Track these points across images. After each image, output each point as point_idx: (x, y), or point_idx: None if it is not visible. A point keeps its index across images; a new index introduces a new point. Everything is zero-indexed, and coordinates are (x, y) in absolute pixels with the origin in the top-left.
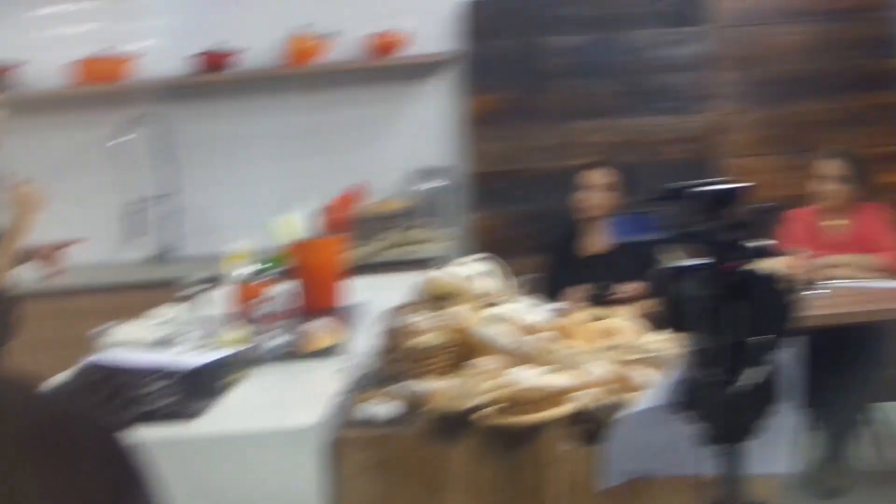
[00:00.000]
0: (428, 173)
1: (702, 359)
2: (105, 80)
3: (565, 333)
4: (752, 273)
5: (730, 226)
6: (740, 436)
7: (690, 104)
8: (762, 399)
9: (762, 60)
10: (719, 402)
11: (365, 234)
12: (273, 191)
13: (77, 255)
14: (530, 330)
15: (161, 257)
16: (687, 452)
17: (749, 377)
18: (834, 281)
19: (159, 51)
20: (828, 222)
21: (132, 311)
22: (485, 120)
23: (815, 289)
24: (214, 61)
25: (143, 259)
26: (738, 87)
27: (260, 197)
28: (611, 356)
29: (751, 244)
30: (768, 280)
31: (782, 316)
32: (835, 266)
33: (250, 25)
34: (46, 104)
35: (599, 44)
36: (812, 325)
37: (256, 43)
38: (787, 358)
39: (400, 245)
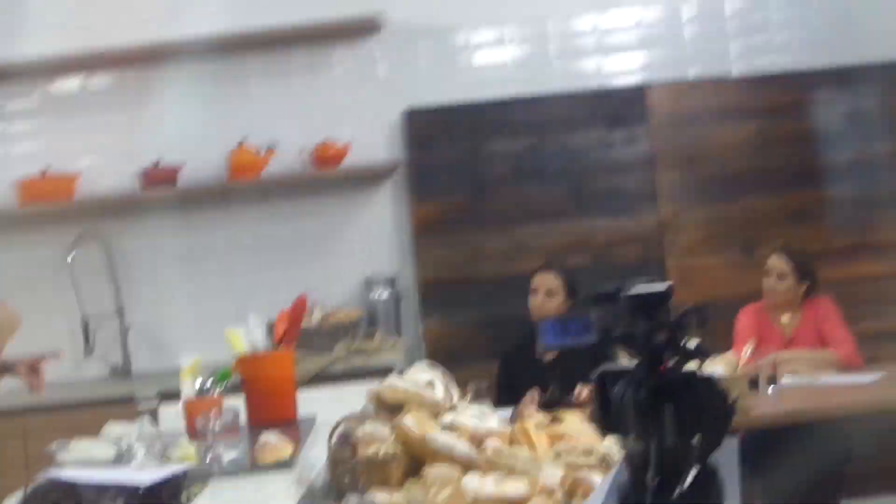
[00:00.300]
0: (376, 282)
1: (638, 461)
2: (48, 199)
3: (518, 439)
4: (686, 374)
5: (660, 327)
6: None
7: (635, 205)
8: (706, 500)
9: (703, 159)
10: None
11: (315, 345)
12: (221, 305)
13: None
14: (483, 437)
15: (114, 374)
16: None
17: (687, 479)
18: (786, 377)
19: (100, 168)
20: (778, 318)
21: (89, 429)
22: (430, 227)
23: (769, 385)
24: (155, 177)
25: (97, 376)
26: (681, 186)
27: (208, 311)
28: (564, 461)
29: (683, 345)
30: (703, 381)
31: (719, 416)
32: (786, 362)
33: (189, 141)
34: None
35: (540, 147)
36: (767, 424)
37: (196, 157)
38: (724, 459)
39: (350, 356)
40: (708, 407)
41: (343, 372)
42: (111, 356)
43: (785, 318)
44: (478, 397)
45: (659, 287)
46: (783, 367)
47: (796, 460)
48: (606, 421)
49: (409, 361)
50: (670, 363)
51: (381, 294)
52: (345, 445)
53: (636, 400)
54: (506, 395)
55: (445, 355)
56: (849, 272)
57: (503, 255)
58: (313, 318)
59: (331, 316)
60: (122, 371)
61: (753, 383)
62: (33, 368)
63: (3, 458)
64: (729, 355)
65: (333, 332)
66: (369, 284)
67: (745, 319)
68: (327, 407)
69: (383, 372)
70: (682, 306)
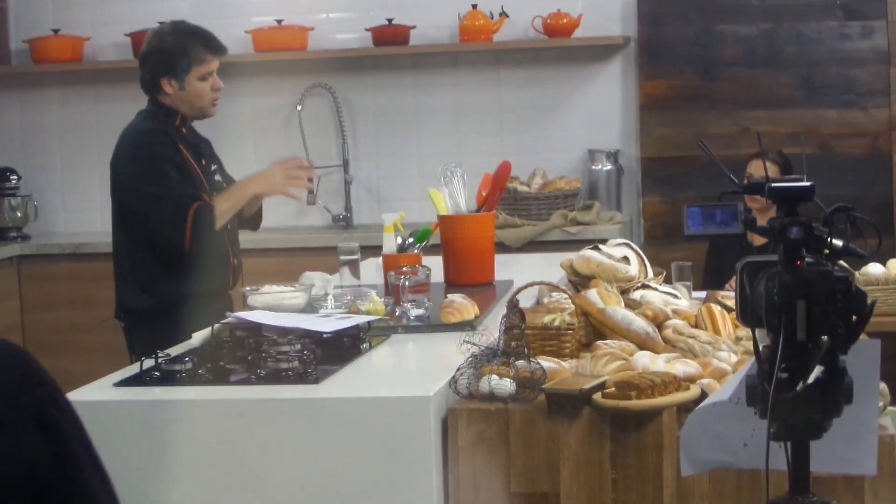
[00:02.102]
0: (598, 155)
1: (769, 355)
2: (281, 48)
3: (704, 321)
4: (822, 271)
5: (797, 223)
6: (809, 434)
7: (866, 98)
8: (831, 399)
9: None
10: (788, 399)
11: (533, 211)
12: (440, 165)
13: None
14: (666, 316)
15: (336, 224)
16: (759, 447)
17: (818, 376)
18: None
19: (334, 23)
20: None
21: (292, 275)
22: (657, 105)
23: None
24: (388, 35)
25: (320, 225)
26: None
27: (428, 170)
28: (745, 346)
29: (827, 242)
30: (840, 280)
31: (854, 316)
32: None
33: (421, 2)
34: (224, 71)
35: (774, 33)
36: None
37: (427, 20)
38: (861, 361)
39: (567, 225)
40: (840, 307)
41: (558, 240)
42: (334, 207)
43: None
44: (680, 277)
45: (801, 183)
46: None
47: None
48: (746, 313)
49: (627, 236)
50: (808, 259)
51: (603, 167)
52: (516, 312)
53: (769, 293)
54: (713, 278)
55: (662, 233)
56: None
57: (729, 138)
58: (533, 185)
59: (551, 184)
60: (344, 221)
61: None
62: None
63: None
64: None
65: (552, 199)
66: (592, 156)
67: None
68: (533, 272)
69: (598, 244)
70: (828, 204)
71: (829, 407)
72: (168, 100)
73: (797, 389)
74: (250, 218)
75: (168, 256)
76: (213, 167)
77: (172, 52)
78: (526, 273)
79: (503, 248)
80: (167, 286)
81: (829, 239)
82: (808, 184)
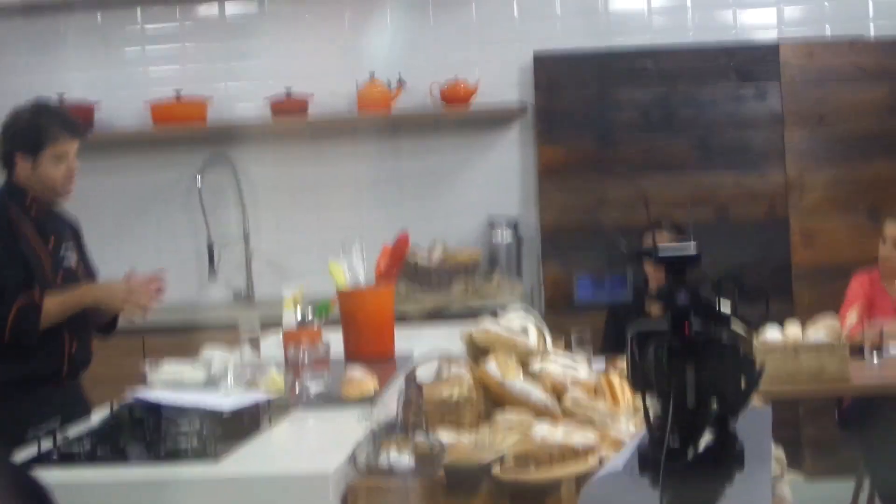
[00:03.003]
0: (498, 224)
1: (659, 421)
2: (181, 121)
3: (603, 390)
4: (710, 337)
5: (684, 288)
6: (702, 501)
7: (761, 162)
8: (723, 465)
9: (833, 119)
10: (679, 467)
11: (434, 283)
12: (342, 236)
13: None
14: (566, 387)
15: (238, 299)
16: None
17: (708, 443)
18: (893, 347)
19: (232, 95)
20: (892, 286)
21: (193, 351)
22: (555, 172)
23: (874, 353)
24: (286, 105)
25: (220, 300)
26: (809, 145)
27: (329, 242)
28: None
29: (714, 308)
30: (728, 345)
31: (745, 381)
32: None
33: (319, 73)
34: (123, 144)
35: (669, 98)
36: (868, 393)
37: (326, 89)
38: (754, 426)
39: (468, 296)
40: (730, 372)
41: (460, 311)
42: (235, 281)
43: None
44: (580, 346)
45: (687, 249)
46: (891, 337)
47: None
48: (636, 379)
49: (528, 305)
50: (702, 326)
51: (503, 236)
52: (414, 385)
53: (658, 359)
54: (612, 346)
55: (564, 301)
56: None
57: (626, 203)
58: (433, 256)
59: (451, 257)
60: (246, 296)
61: (859, 351)
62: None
63: (120, 374)
64: (830, 319)
65: (452, 270)
66: (491, 226)
67: (856, 285)
68: (434, 345)
69: (486, 314)
70: (717, 270)
71: (721, 474)
72: (22, 177)
73: (688, 457)
74: (102, 325)
75: None
76: (66, 251)
77: (28, 128)
78: (427, 345)
79: (404, 321)
80: None
81: (717, 305)
82: (693, 251)
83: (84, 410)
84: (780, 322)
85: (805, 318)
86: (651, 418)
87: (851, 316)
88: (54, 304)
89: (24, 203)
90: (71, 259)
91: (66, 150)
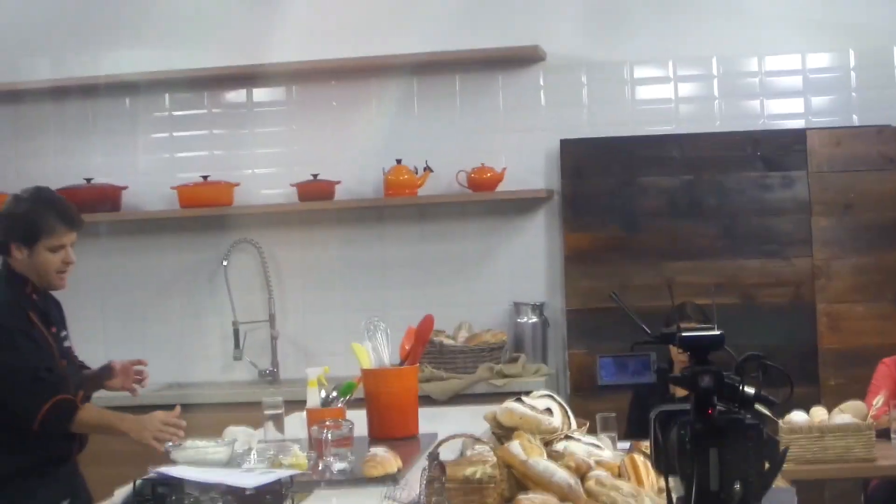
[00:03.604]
0: (524, 307)
1: (683, 503)
2: (207, 204)
3: (627, 471)
4: (734, 419)
5: (707, 372)
6: None
7: (788, 248)
8: None
9: (860, 206)
10: None
11: (459, 365)
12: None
13: (185, 374)
14: (589, 467)
15: (263, 379)
16: None
17: None
18: None
19: (260, 178)
20: None
21: (217, 430)
22: (581, 257)
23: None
24: (313, 190)
25: (246, 380)
26: (836, 232)
27: (352, 325)
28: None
29: (738, 390)
30: (751, 427)
31: (769, 463)
32: None
33: (346, 159)
34: (150, 227)
35: (696, 184)
36: (890, 476)
37: (352, 175)
38: None
39: (493, 378)
40: (753, 454)
41: (485, 392)
42: (261, 362)
43: None
44: (605, 428)
45: (710, 332)
46: None
47: None
48: (659, 461)
49: (552, 387)
50: (720, 407)
51: (529, 319)
52: (436, 465)
53: (682, 441)
54: (637, 428)
55: (588, 384)
56: None
57: (651, 288)
58: (459, 338)
59: (477, 337)
60: (271, 376)
61: (885, 434)
62: (125, 371)
63: (144, 452)
64: (858, 403)
65: (478, 353)
66: (517, 309)
67: (883, 370)
68: (458, 425)
69: (522, 395)
70: (743, 353)
71: None
72: (18, 265)
73: None
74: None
75: (9, 427)
76: (63, 333)
77: (24, 218)
78: (451, 426)
79: (429, 401)
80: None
81: (740, 387)
82: (717, 332)
83: (85, 490)
84: (807, 407)
85: (831, 404)
86: (675, 500)
87: (878, 400)
88: (91, 415)
89: (25, 290)
90: (68, 341)
91: (62, 242)
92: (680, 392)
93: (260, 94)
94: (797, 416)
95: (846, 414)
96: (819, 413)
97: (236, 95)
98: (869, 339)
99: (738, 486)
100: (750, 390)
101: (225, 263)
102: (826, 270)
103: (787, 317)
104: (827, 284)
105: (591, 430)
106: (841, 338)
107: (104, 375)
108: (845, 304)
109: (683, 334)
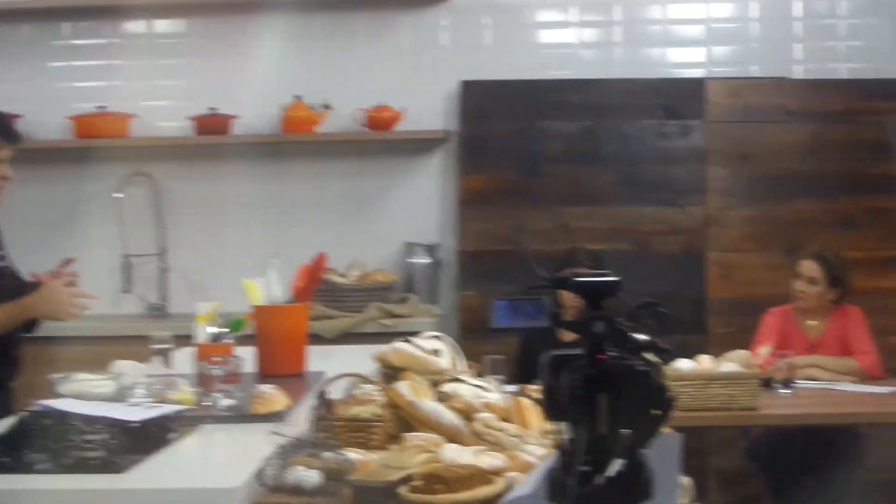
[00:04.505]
0: (416, 248)
1: (570, 448)
2: (103, 135)
3: (513, 414)
4: (623, 365)
5: (600, 317)
6: None
7: (683, 197)
8: (632, 493)
9: (755, 157)
10: (588, 493)
11: (349, 303)
12: (261, 255)
13: None
14: (478, 409)
15: (151, 313)
16: None
17: (617, 469)
18: (804, 382)
19: (156, 111)
20: (805, 322)
21: (104, 364)
22: (476, 199)
23: (785, 386)
24: (210, 124)
25: (134, 314)
26: (730, 182)
27: (247, 260)
28: (552, 440)
29: (630, 337)
30: (641, 374)
31: (656, 410)
32: (806, 366)
33: (245, 93)
34: (44, 156)
35: (595, 131)
36: (776, 424)
37: (250, 111)
38: (662, 454)
39: (383, 317)
40: (641, 400)
41: (374, 332)
42: (150, 295)
43: (812, 323)
44: (493, 371)
45: (605, 277)
46: (802, 370)
47: (806, 463)
48: (550, 405)
49: (443, 329)
50: (612, 353)
51: (421, 260)
52: (324, 403)
53: (572, 386)
54: (525, 372)
55: (478, 326)
56: (887, 284)
57: (547, 233)
58: (350, 277)
59: (368, 276)
60: (159, 311)
61: (770, 383)
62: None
63: (29, 384)
64: (744, 353)
65: (369, 292)
66: (410, 249)
67: (770, 320)
68: (347, 364)
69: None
70: (637, 300)
71: (630, 501)
72: None
73: (597, 482)
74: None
75: None
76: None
77: None
78: (340, 365)
79: (318, 339)
80: None
81: (632, 333)
82: (613, 278)
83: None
84: (694, 354)
85: (718, 352)
86: (563, 444)
87: (764, 349)
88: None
89: None
90: (7, 258)
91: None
92: (568, 337)
93: (160, 25)
94: (683, 364)
95: (732, 363)
96: (705, 361)
97: (136, 26)
98: (758, 290)
99: (626, 432)
100: (641, 337)
101: (119, 195)
102: (719, 220)
103: (679, 265)
104: (719, 234)
105: (481, 373)
106: (730, 287)
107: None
108: (736, 253)
109: (579, 279)
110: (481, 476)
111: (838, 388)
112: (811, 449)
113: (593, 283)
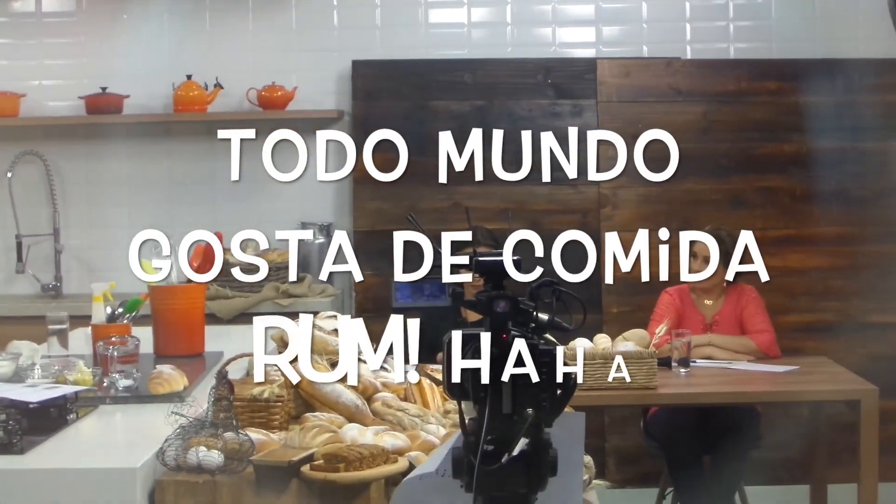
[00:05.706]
0: (310, 227)
1: (478, 427)
2: None
3: (413, 394)
4: (531, 345)
5: (503, 297)
6: None
7: (574, 176)
8: (536, 471)
9: (647, 138)
10: (493, 471)
11: (244, 284)
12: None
13: None
14: (375, 389)
15: (45, 293)
16: None
17: (520, 448)
18: (701, 361)
19: (48, 90)
20: (701, 301)
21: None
22: (369, 179)
23: (681, 365)
24: (101, 103)
25: (27, 294)
26: (622, 162)
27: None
28: (453, 420)
29: (534, 316)
30: (547, 354)
31: (560, 390)
32: (701, 344)
33: (136, 73)
34: None
35: (486, 111)
36: (673, 403)
37: (141, 90)
38: (566, 433)
39: (278, 297)
40: (545, 380)
41: (270, 312)
42: (44, 276)
43: (707, 302)
44: (392, 350)
45: (505, 257)
46: (698, 349)
47: (703, 441)
48: (452, 385)
49: (338, 308)
50: (515, 332)
51: (315, 240)
52: (224, 383)
53: (482, 366)
54: (425, 352)
55: (374, 306)
56: (779, 263)
57: (440, 212)
58: (244, 257)
59: (263, 256)
60: (54, 290)
61: (667, 362)
62: None
63: None
64: (641, 331)
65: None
66: (305, 229)
67: (666, 299)
68: (244, 344)
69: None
70: (538, 280)
71: (534, 479)
72: None
73: (502, 461)
74: None
75: None
76: None
77: None
78: (237, 345)
79: (215, 319)
80: None
81: (534, 313)
82: (514, 258)
83: None
84: (589, 335)
85: (613, 332)
86: (466, 423)
87: (661, 328)
88: None
89: None
90: None
91: None
92: (472, 317)
93: (49, 3)
94: (581, 343)
95: (629, 342)
96: (602, 340)
97: (24, 4)
98: (652, 269)
99: (530, 411)
100: (544, 316)
101: (9, 175)
102: (612, 199)
103: (573, 244)
104: (612, 213)
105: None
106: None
107: None
108: (630, 232)
109: (480, 258)
110: (383, 455)
111: (735, 367)
112: (708, 427)
113: (495, 262)
